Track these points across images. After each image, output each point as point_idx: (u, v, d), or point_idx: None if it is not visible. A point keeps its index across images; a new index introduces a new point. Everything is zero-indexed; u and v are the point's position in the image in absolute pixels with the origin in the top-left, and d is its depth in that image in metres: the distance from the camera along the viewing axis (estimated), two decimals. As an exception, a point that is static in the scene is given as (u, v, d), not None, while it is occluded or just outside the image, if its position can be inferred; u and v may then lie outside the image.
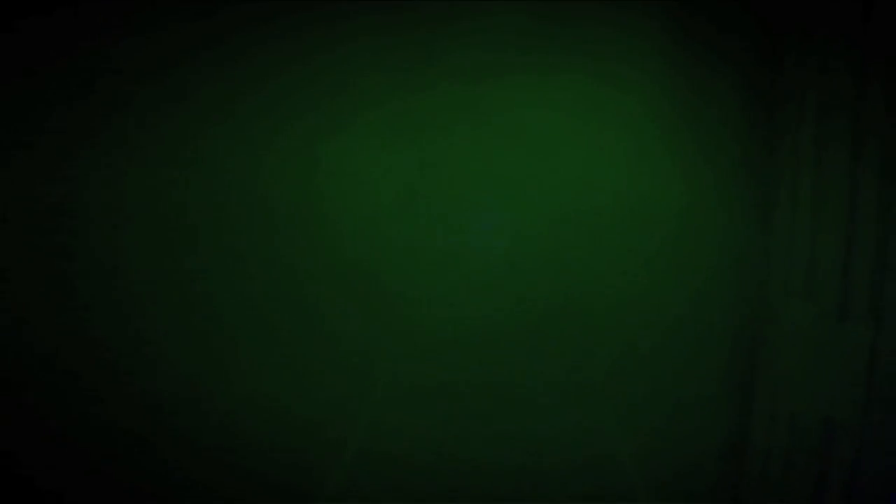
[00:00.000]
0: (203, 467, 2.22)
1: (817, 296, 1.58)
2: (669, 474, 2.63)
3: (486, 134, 4.17)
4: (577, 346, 4.13)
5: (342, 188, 3.52)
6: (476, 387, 3.90)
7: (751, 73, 2.23)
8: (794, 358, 1.68)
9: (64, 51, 1.53)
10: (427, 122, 4.00)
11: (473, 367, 3.97)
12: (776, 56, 2.10)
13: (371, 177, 3.90)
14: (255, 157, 2.48)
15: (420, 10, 3.91)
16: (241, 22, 2.29)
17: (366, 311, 3.77)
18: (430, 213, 3.92)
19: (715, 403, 2.10)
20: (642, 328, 3.57)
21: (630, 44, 3.88)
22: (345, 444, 3.31)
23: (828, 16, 1.68)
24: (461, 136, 4.11)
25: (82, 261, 1.65)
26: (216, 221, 2.20)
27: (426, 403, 3.71)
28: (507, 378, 3.93)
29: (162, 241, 1.93)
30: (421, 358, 3.72)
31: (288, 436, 2.96)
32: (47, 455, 1.59)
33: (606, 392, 4.04)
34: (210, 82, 2.13)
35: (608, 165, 4.06)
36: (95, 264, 1.69)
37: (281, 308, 2.81)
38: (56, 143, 1.54)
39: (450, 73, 3.94)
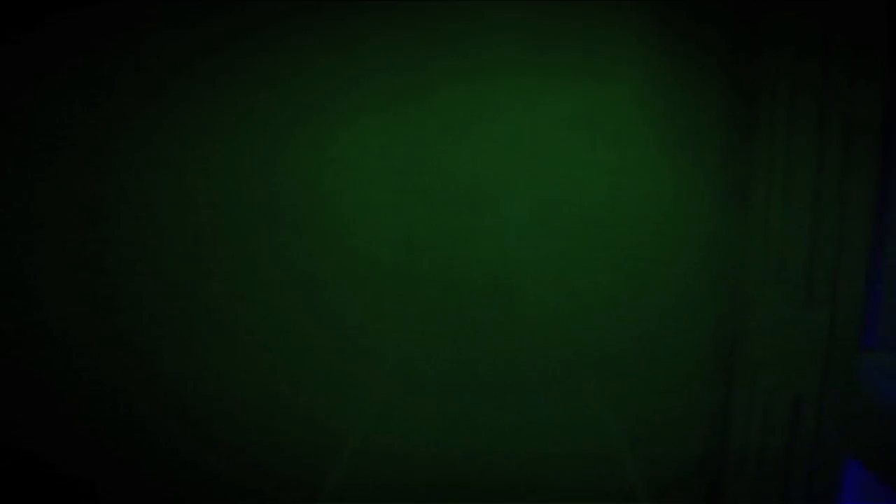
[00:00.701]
0: (236, 468, 2.38)
1: (785, 283, 1.72)
2: (659, 448, 2.80)
3: (490, 132, 4.29)
4: (569, 334, 4.29)
5: (353, 185, 3.69)
6: (476, 375, 4.06)
7: (728, 63, 2.34)
8: (766, 341, 1.82)
9: (86, 49, 1.62)
10: (427, 121, 4.13)
11: (471, 356, 4.13)
12: (752, 45, 2.20)
13: (377, 175, 4.04)
14: (272, 154, 2.61)
15: (419, 10, 4.02)
16: (254, 22, 2.40)
17: (372, 297, 3.94)
18: (433, 208, 4.04)
19: (700, 383, 2.25)
20: (631, 316, 3.71)
21: (619, 40, 3.97)
22: (355, 428, 3.50)
23: (800, 3, 1.78)
24: (460, 134, 4.22)
25: (112, 260, 1.77)
26: (239, 219, 2.33)
27: (428, 390, 3.87)
28: (505, 365, 4.09)
29: (188, 238, 2.05)
30: (424, 343, 3.86)
31: (305, 427, 3.14)
32: (78, 451, 1.71)
33: (599, 375, 4.21)
34: (228, 81, 2.25)
35: (600, 161, 4.18)
36: (124, 263, 1.81)
37: (300, 301, 2.96)
38: (83, 142, 1.64)
39: (450, 72, 4.04)
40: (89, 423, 1.67)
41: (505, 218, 4.31)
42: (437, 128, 4.23)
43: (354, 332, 3.89)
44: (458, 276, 4.00)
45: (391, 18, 3.92)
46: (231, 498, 2.37)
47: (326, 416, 3.32)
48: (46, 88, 1.54)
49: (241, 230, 2.41)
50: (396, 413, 3.89)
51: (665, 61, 3.05)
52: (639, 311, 3.53)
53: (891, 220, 1.25)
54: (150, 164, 1.89)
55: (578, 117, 4.26)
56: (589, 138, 4.23)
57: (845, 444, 1.33)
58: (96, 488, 1.71)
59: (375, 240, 3.97)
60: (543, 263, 4.31)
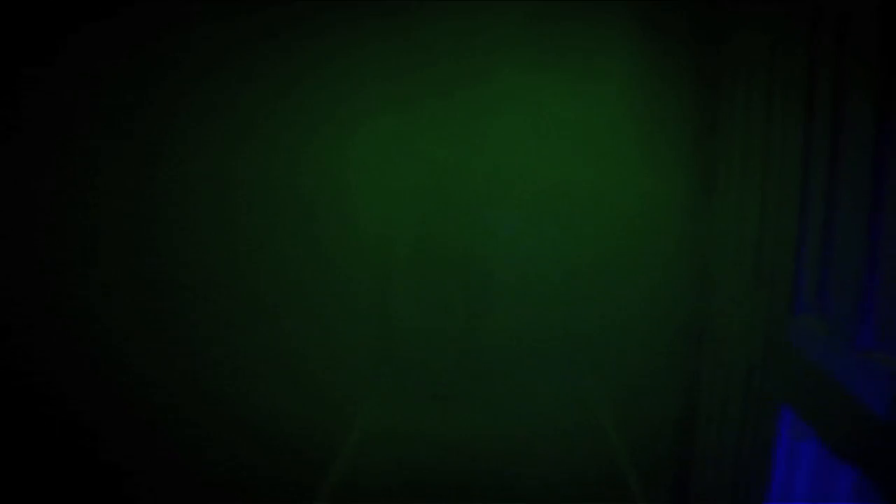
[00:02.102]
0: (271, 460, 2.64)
1: (741, 268, 2.01)
2: (640, 411, 3.10)
3: (489, 130, 4.58)
4: (558, 312, 4.63)
5: (365, 177, 4.05)
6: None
7: (701, 54, 2.47)
8: (726, 316, 2.11)
9: (126, 48, 1.68)
10: (431, 121, 4.43)
11: (475, 329, 4.44)
12: (724, 35, 2.28)
13: (386, 168, 4.36)
14: (295, 151, 2.87)
15: (418, 10, 4.30)
16: (276, 24, 2.60)
17: (382, 277, 4.30)
18: (437, 199, 4.34)
19: (676, 354, 2.54)
20: (613, 297, 4.02)
21: (607, 38, 4.24)
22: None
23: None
24: (462, 132, 4.52)
25: (161, 256, 1.94)
26: (265, 207, 2.57)
27: (435, 362, 4.18)
28: (506, 337, 4.40)
29: (224, 222, 2.27)
30: (432, 319, 4.16)
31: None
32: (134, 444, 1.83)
33: (586, 348, 4.54)
34: (256, 83, 2.47)
35: (586, 156, 4.46)
36: (173, 260, 2.00)
37: (316, 279, 3.25)
38: (136, 134, 1.74)
39: (454, 75, 4.30)
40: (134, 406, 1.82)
41: (502, 209, 4.61)
42: (440, 127, 4.54)
43: (366, 308, 4.23)
44: (461, 257, 4.29)
45: (394, 26, 4.22)
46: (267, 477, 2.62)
47: (339, 387, 3.63)
48: (99, 84, 1.57)
49: (267, 217, 2.64)
50: (408, 384, 4.20)
51: (646, 58, 3.29)
52: (620, 293, 3.84)
53: (808, 207, 1.53)
54: (191, 158, 2.08)
55: (570, 116, 4.55)
56: (579, 135, 4.52)
57: (780, 392, 1.63)
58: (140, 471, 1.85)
59: (385, 225, 4.26)
60: (537, 250, 4.61)
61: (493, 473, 3.38)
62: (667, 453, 2.56)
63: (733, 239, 2.12)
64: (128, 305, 1.72)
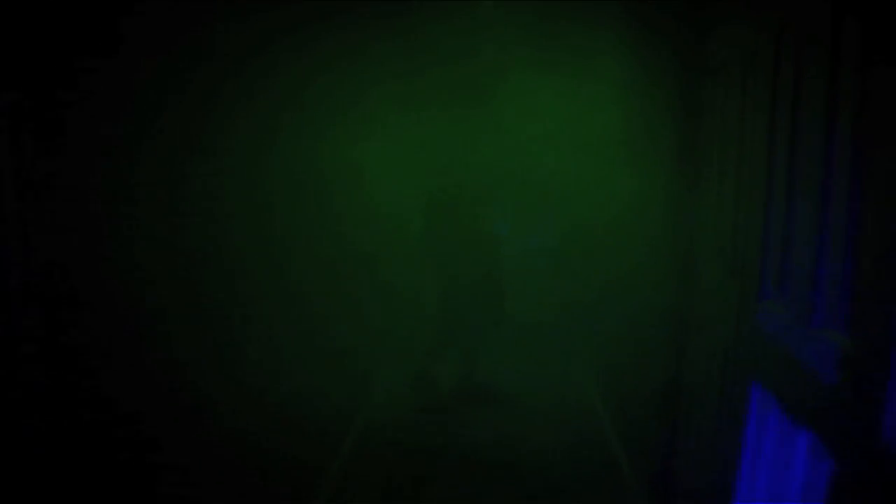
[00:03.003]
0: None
1: (718, 257, 2.20)
2: (629, 389, 3.30)
3: (490, 125, 4.79)
4: (557, 291, 4.87)
5: (377, 163, 4.33)
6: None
7: (685, 54, 2.57)
8: (707, 306, 2.31)
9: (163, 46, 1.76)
10: (436, 117, 4.65)
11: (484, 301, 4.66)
12: (706, 28, 2.39)
13: (396, 156, 4.62)
14: (318, 140, 3.07)
15: (419, 11, 4.47)
16: (296, 21, 2.74)
17: (398, 253, 4.60)
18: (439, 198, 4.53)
19: (662, 335, 2.74)
20: (604, 290, 4.23)
21: (600, 37, 4.40)
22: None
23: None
24: (465, 128, 4.72)
25: (200, 240, 2.06)
26: (293, 190, 2.75)
27: (446, 329, 4.38)
28: (510, 310, 4.63)
29: (258, 205, 2.42)
30: (441, 289, 4.36)
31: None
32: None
33: (580, 336, 4.76)
34: (280, 76, 2.62)
35: (582, 153, 4.65)
36: (211, 244, 2.14)
37: (337, 252, 3.48)
38: (174, 128, 1.83)
39: (459, 77, 4.50)
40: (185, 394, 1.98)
41: (501, 196, 4.81)
42: (444, 122, 4.76)
43: (384, 281, 4.51)
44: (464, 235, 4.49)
45: (397, 28, 4.40)
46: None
47: (356, 352, 3.86)
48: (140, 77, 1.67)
49: (294, 199, 2.84)
50: (417, 347, 4.43)
51: (636, 59, 3.45)
52: (609, 283, 4.04)
53: (770, 203, 1.72)
54: (226, 150, 2.24)
55: (564, 114, 4.72)
56: (571, 133, 4.70)
57: (750, 369, 1.82)
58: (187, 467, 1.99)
59: (395, 205, 4.54)
60: (529, 242, 4.82)
61: (489, 444, 3.63)
62: (654, 427, 2.77)
63: (711, 232, 2.31)
64: (169, 290, 1.88)
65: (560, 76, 4.73)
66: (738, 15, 2.06)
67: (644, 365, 3.01)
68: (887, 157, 1.18)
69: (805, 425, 1.48)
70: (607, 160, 4.20)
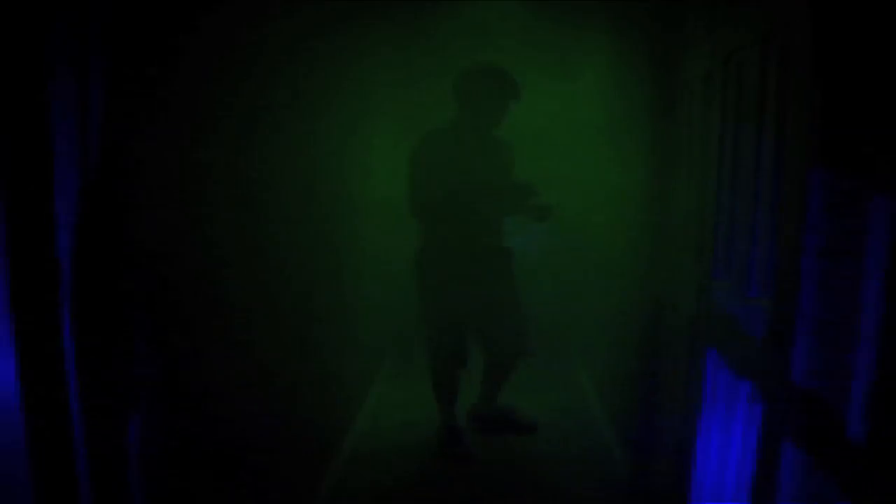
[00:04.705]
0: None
1: (689, 249, 2.56)
2: (611, 365, 3.66)
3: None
4: (548, 277, 5.23)
5: (385, 165, 4.69)
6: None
7: (661, 62, 2.82)
8: (676, 288, 2.67)
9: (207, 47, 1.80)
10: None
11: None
12: (680, 47, 2.63)
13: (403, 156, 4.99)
14: (337, 147, 3.38)
15: (420, 11, 4.81)
16: (317, 26, 2.85)
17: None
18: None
19: (643, 317, 3.09)
20: (588, 277, 4.58)
21: (586, 38, 4.73)
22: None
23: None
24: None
25: (262, 227, 2.19)
26: (315, 188, 2.94)
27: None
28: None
29: (299, 192, 2.61)
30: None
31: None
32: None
33: (564, 317, 5.13)
34: (316, 79, 2.78)
35: (571, 151, 5.01)
36: (272, 230, 2.27)
37: (351, 235, 3.87)
38: (229, 130, 1.91)
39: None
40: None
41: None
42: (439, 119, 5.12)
43: (388, 265, 4.85)
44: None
45: (400, 32, 4.75)
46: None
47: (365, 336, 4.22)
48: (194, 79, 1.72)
49: (317, 194, 3.15)
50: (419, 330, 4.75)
51: (617, 59, 3.77)
52: (592, 270, 4.40)
53: (721, 195, 2.09)
54: (278, 144, 2.43)
55: (551, 111, 5.06)
56: (556, 130, 5.04)
57: (707, 337, 2.19)
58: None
59: (402, 201, 4.86)
60: (516, 232, 5.18)
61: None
62: (632, 395, 3.13)
63: (681, 223, 2.67)
64: (238, 270, 2.11)
65: (549, 77, 5.08)
66: (700, 41, 2.42)
67: (625, 344, 3.37)
68: (793, 165, 1.53)
69: (744, 376, 1.84)
70: (593, 157, 4.57)
